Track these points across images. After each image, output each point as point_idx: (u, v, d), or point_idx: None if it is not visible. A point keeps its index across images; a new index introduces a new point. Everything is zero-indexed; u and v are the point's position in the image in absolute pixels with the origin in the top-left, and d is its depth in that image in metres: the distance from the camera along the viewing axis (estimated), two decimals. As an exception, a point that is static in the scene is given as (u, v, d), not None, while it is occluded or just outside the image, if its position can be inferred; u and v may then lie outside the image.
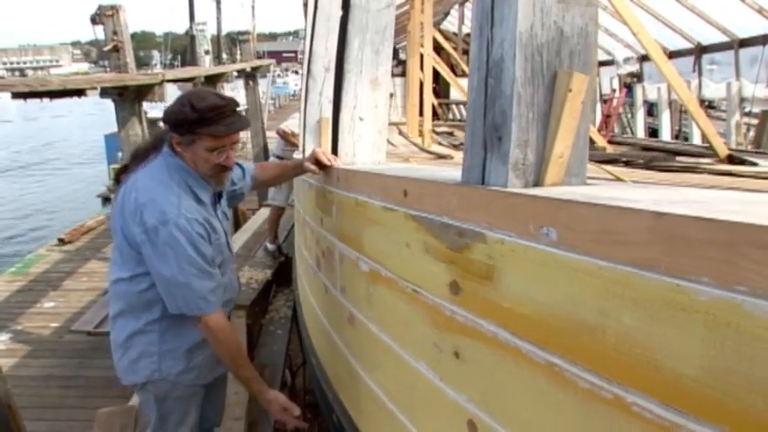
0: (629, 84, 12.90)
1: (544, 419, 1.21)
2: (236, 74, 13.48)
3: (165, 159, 2.41)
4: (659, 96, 11.11)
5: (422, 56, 8.59)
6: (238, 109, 2.43)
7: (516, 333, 1.25)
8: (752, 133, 9.94)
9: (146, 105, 12.30)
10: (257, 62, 13.85)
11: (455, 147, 7.86)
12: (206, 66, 12.65)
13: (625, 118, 13.00)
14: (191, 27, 14.39)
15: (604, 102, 12.60)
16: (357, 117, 2.72)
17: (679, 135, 11.59)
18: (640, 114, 12.13)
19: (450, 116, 16.77)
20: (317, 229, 3.02)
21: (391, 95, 15.44)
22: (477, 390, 1.42)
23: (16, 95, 5.91)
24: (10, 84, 5.92)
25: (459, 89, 12.21)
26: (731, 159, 5.41)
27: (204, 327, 2.40)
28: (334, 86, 2.85)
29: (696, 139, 9.92)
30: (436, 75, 11.72)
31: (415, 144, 7.98)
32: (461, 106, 15.74)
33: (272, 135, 7.63)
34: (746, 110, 10.06)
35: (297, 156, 4.35)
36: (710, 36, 10.24)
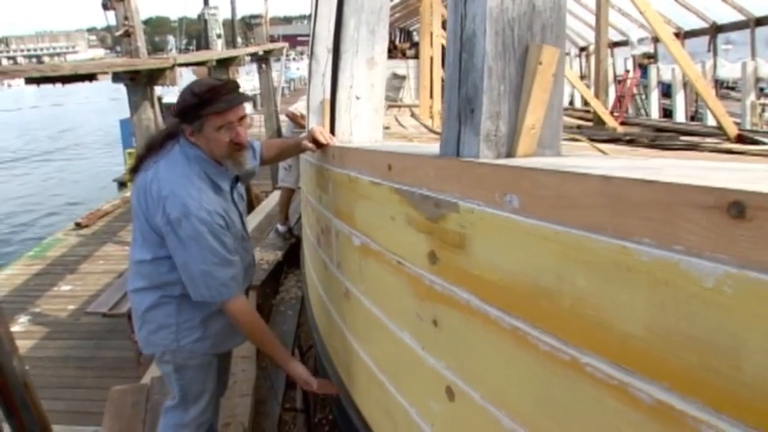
0: (644, 65, 12.76)
1: (512, 383, 1.24)
2: (248, 58, 13.50)
3: (184, 150, 2.48)
4: (674, 77, 10.97)
5: (432, 36, 8.58)
6: (249, 93, 2.51)
7: (485, 299, 1.28)
8: (767, 114, 9.82)
9: (161, 91, 12.40)
10: (270, 45, 13.85)
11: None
12: (218, 49, 12.68)
13: (639, 99, 12.86)
14: (203, 11, 14.45)
15: (618, 82, 12.48)
16: (354, 96, 2.75)
17: (695, 116, 11.46)
18: (654, 95, 11.99)
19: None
20: (316, 206, 3.07)
21: (405, 78, 15.42)
22: (453, 357, 1.46)
23: (29, 81, 6.00)
24: (23, 70, 6.01)
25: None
26: (741, 139, 5.37)
27: (228, 311, 2.51)
28: (332, 66, 2.88)
29: (711, 120, 9.82)
30: (448, 56, 11.66)
31: (425, 125, 7.99)
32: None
33: (285, 118, 7.69)
34: (764, 90, 9.92)
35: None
36: (726, 15, 10.09)
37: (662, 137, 5.47)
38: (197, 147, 2.46)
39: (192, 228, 2.35)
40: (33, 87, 7.09)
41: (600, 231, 0.97)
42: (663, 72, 11.65)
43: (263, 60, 13.21)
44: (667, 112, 11.81)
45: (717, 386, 0.81)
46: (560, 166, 1.12)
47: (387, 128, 6.98)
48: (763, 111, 10.02)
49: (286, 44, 21.00)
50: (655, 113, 11.74)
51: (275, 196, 8.63)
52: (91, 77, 6.39)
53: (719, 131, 5.73)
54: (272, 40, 18.94)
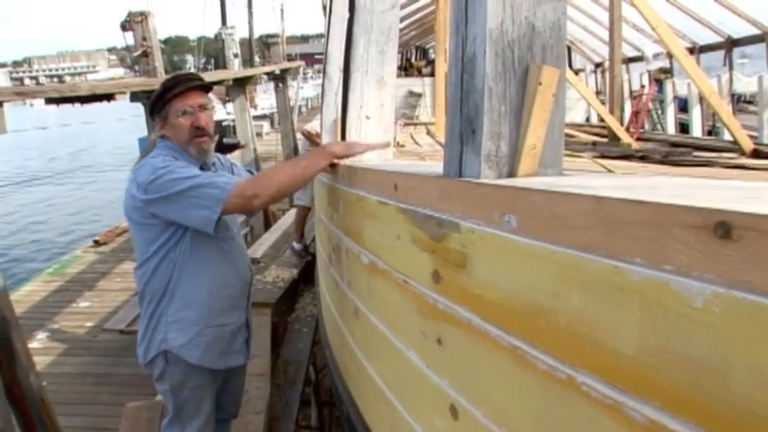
0: (661, 80, 12.74)
1: (512, 402, 1.25)
2: (265, 77, 13.64)
3: (158, 145, 2.66)
4: (690, 92, 10.95)
5: (446, 54, 8.60)
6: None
7: (486, 318, 1.30)
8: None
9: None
10: (286, 64, 14.00)
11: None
12: (235, 69, 12.84)
13: (656, 114, 12.83)
14: (220, 31, 14.67)
15: (633, 98, 12.46)
16: (363, 116, 2.77)
17: (712, 131, 11.41)
18: (670, 110, 11.97)
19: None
20: (328, 225, 3.10)
21: (421, 95, 15.47)
22: (457, 375, 1.47)
23: (49, 101, 6.11)
24: (42, 90, 6.12)
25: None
26: (757, 154, 5.34)
27: (245, 194, 2.39)
28: (342, 86, 2.91)
29: (728, 135, 9.76)
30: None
31: (439, 143, 8.00)
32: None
33: (301, 136, 7.79)
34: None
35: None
36: (741, 29, 10.06)
37: (675, 153, 5.45)
38: (167, 138, 2.65)
39: (164, 179, 2.41)
40: (55, 107, 7.22)
41: (593, 251, 0.98)
42: (678, 87, 11.63)
43: (279, 79, 13.33)
44: (684, 127, 11.77)
45: (706, 406, 0.82)
46: (555, 186, 1.13)
47: (402, 146, 7.02)
48: (781, 125, 9.94)
49: (302, 63, 21.21)
50: (671, 128, 11.71)
51: (291, 214, 8.68)
52: (109, 97, 6.50)
53: (735, 146, 5.71)
54: (290, 58, 19.13)
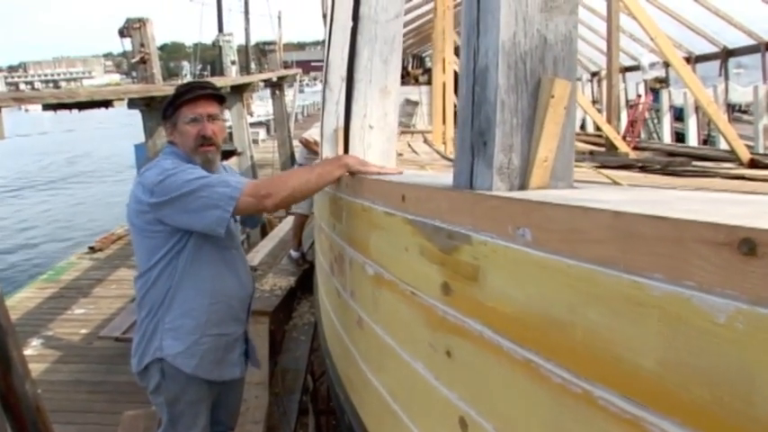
0: (656, 89, 12.79)
1: (525, 415, 1.25)
2: (262, 84, 13.65)
3: (164, 150, 2.67)
4: (686, 101, 10.99)
5: (445, 63, 8.63)
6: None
7: (498, 331, 1.29)
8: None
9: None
10: (283, 72, 14.03)
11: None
12: (232, 76, 12.85)
13: (652, 123, 12.88)
14: (217, 38, 14.68)
15: (630, 107, 12.51)
16: (367, 125, 2.78)
17: (708, 140, 11.46)
18: (667, 119, 12.01)
19: (476, 123, 16.72)
20: (330, 234, 3.09)
21: (417, 104, 15.52)
22: (467, 387, 1.47)
23: (46, 107, 6.10)
24: (40, 96, 6.11)
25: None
26: (754, 164, 5.36)
27: (259, 193, 2.36)
28: (345, 96, 2.92)
29: (724, 144, 9.81)
30: (460, 82, 11.72)
31: (437, 152, 8.02)
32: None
33: (298, 144, 7.79)
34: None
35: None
36: (736, 39, 10.14)
37: (674, 162, 5.48)
38: (175, 145, 2.64)
39: (173, 179, 2.39)
40: (50, 112, 7.21)
41: (611, 265, 0.98)
42: (675, 96, 11.67)
43: (276, 86, 13.35)
44: (680, 136, 11.81)
45: (729, 421, 0.82)
46: (571, 200, 1.13)
47: (400, 154, 7.02)
48: (776, 134, 9.99)
49: (299, 70, 21.24)
50: (667, 138, 11.75)
51: (288, 222, 8.67)
52: (107, 104, 6.49)
53: (732, 156, 5.73)
54: (286, 65, 19.15)
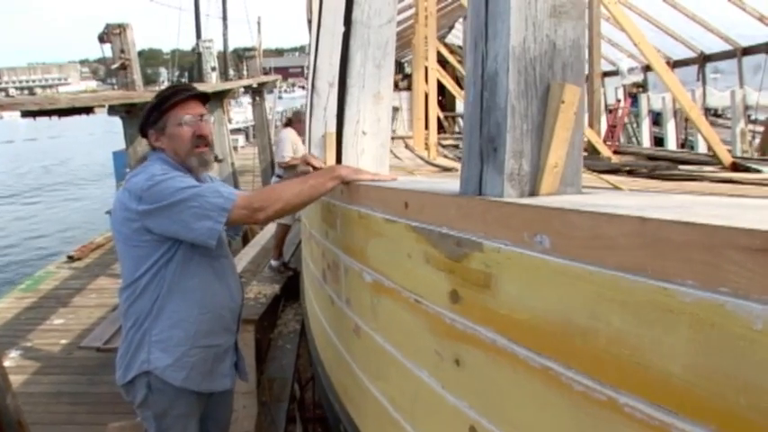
0: (635, 94, 12.94)
1: (542, 424, 1.23)
2: (242, 90, 13.58)
3: (150, 157, 2.56)
4: (664, 106, 11.14)
5: (427, 69, 8.64)
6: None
7: (513, 339, 1.28)
8: (757, 140, 9.95)
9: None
10: (263, 78, 13.98)
11: (460, 159, 7.88)
12: (212, 82, 12.77)
13: (631, 128, 13.02)
14: (197, 44, 14.53)
15: (609, 112, 12.63)
16: (360, 131, 2.76)
17: (685, 144, 11.60)
18: (646, 124, 12.16)
19: (456, 129, 16.84)
20: (322, 242, 3.06)
21: (398, 109, 15.54)
22: (478, 396, 1.45)
23: (26, 114, 6.00)
24: (20, 102, 6.01)
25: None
26: (735, 167, 5.42)
27: (252, 206, 2.31)
28: (337, 101, 2.89)
29: (702, 148, 9.95)
30: (442, 88, 11.77)
31: (420, 157, 8.02)
32: (467, 119, 15.83)
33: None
34: (751, 117, 10.07)
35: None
36: (713, 45, 10.29)
37: (660, 167, 5.52)
38: (162, 151, 2.53)
39: (163, 186, 2.32)
40: (27, 119, 7.09)
41: (637, 272, 0.97)
42: (653, 101, 11.81)
43: (257, 93, 13.29)
44: (658, 140, 11.95)
45: (766, 428, 0.81)
46: (588, 206, 1.12)
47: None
48: (753, 138, 10.16)
49: (279, 76, 21.19)
50: (646, 142, 11.89)
51: (270, 229, 8.61)
52: (88, 110, 6.40)
53: (713, 159, 5.79)
54: (265, 72, 19.08)
